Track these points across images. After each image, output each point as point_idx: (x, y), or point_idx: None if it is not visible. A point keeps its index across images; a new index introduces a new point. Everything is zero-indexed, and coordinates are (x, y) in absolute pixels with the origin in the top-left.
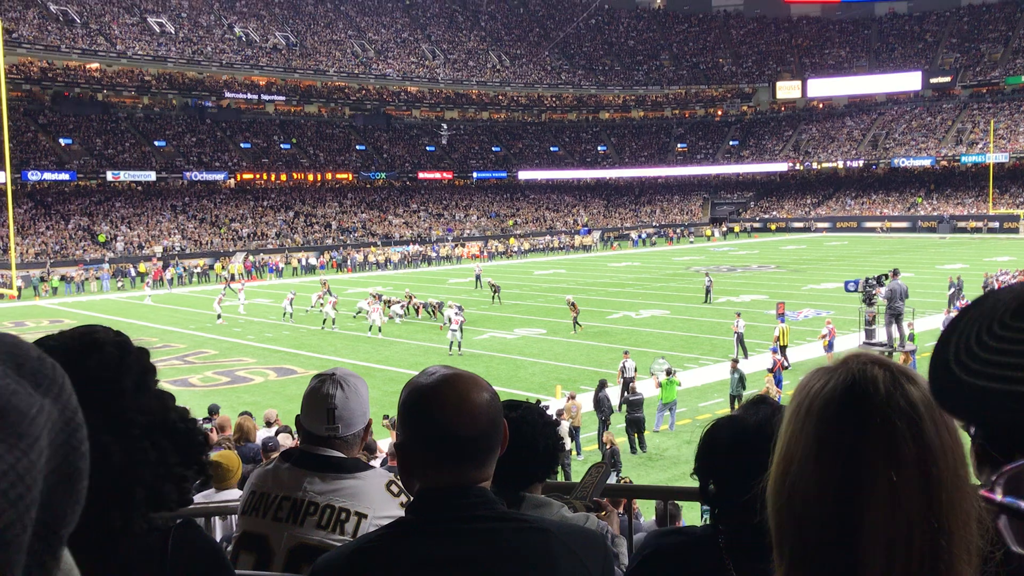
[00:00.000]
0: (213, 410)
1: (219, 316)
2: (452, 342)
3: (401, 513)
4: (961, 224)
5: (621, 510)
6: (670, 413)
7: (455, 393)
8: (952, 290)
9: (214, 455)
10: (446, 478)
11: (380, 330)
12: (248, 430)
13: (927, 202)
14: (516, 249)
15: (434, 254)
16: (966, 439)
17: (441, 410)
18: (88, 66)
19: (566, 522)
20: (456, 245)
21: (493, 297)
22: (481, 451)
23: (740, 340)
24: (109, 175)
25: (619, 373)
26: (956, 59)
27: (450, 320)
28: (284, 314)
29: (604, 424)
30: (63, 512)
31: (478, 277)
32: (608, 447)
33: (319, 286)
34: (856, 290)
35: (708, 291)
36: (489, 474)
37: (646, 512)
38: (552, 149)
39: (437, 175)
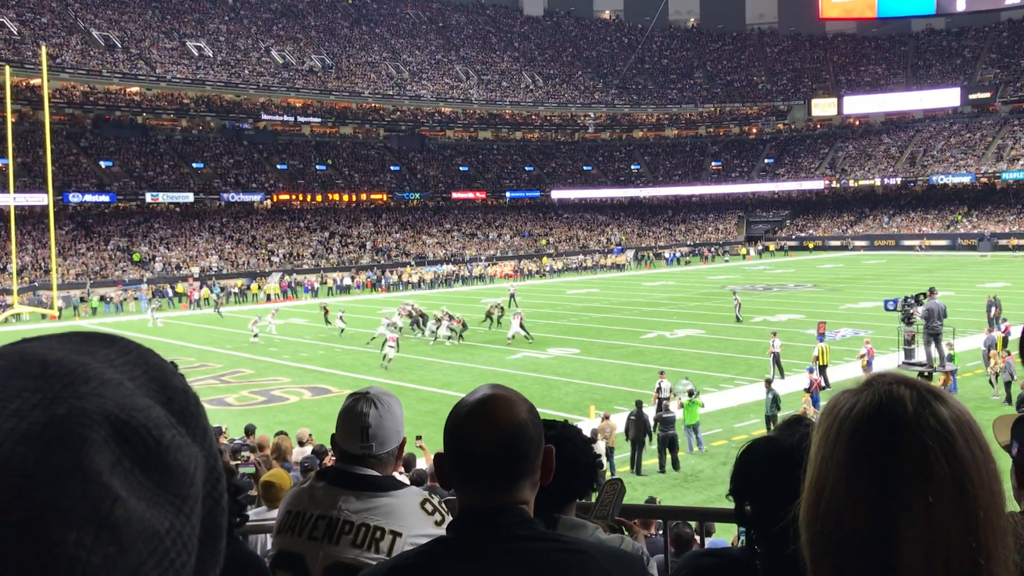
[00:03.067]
0: (250, 430)
1: (255, 335)
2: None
3: (436, 531)
4: (1002, 242)
5: (653, 531)
6: (696, 435)
7: (485, 415)
8: (994, 310)
9: (266, 475)
10: (480, 498)
11: (390, 362)
12: (285, 449)
13: (967, 219)
14: (549, 268)
15: (467, 273)
16: (1002, 460)
17: (470, 432)
18: (128, 90)
19: (603, 543)
20: (489, 264)
21: (490, 322)
22: (510, 474)
23: (776, 360)
24: (148, 197)
25: (655, 393)
26: (996, 75)
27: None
28: (341, 331)
29: (638, 445)
30: (205, 574)
31: (512, 296)
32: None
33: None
34: (895, 309)
35: (737, 308)
36: (527, 497)
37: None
38: (585, 168)
39: (470, 195)
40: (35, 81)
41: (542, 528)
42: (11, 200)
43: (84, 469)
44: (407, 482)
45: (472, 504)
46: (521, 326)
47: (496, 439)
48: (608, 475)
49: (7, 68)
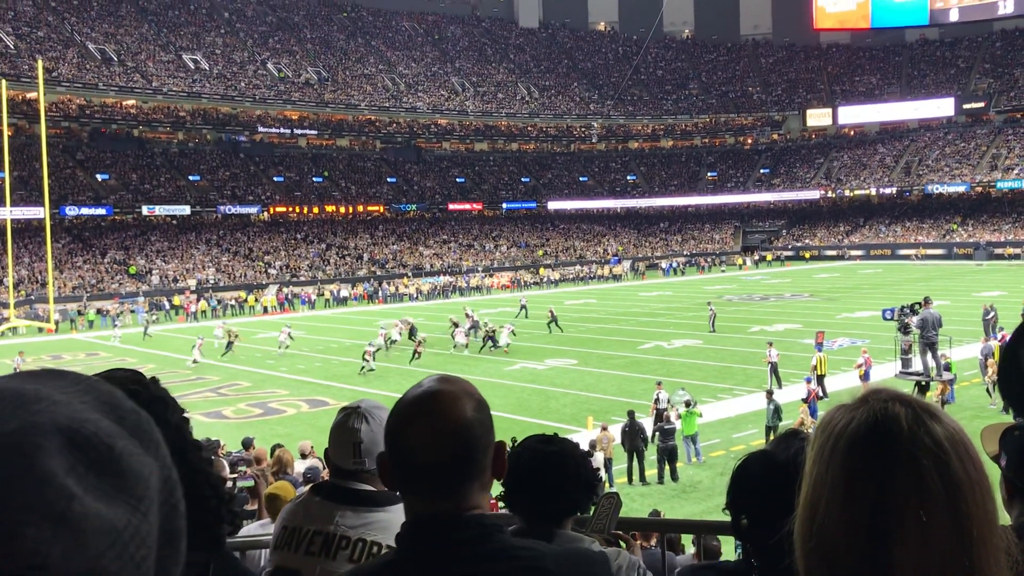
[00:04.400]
0: (247, 443)
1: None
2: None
3: None
4: (998, 251)
5: (654, 543)
6: (694, 445)
7: (426, 413)
8: (991, 316)
9: (270, 487)
10: (425, 504)
11: (371, 371)
12: (287, 462)
13: (962, 229)
14: (546, 279)
15: (464, 284)
16: (993, 471)
17: (409, 433)
18: (125, 103)
19: (563, 550)
20: (486, 275)
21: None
22: (456, 478)
23: (774, 370)
24: (144, 209)
25: (653, 404)
26: (989, 84)
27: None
28: (283, 347)
29: (636, 454)
30: (168, 573)
31: (523, 307)
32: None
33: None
34: (893, 318)
35: (712, 320)
36: (477, 501)
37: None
38: (581, 179)
39: (467, 206)
40: (31, 95)
41: (500, 537)
42: (7, 214)
43: (39, 472)
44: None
45: (420, 511)
46: (512, 334)
47: (438, 441)
48: (606, 486)
49: (3, 82)
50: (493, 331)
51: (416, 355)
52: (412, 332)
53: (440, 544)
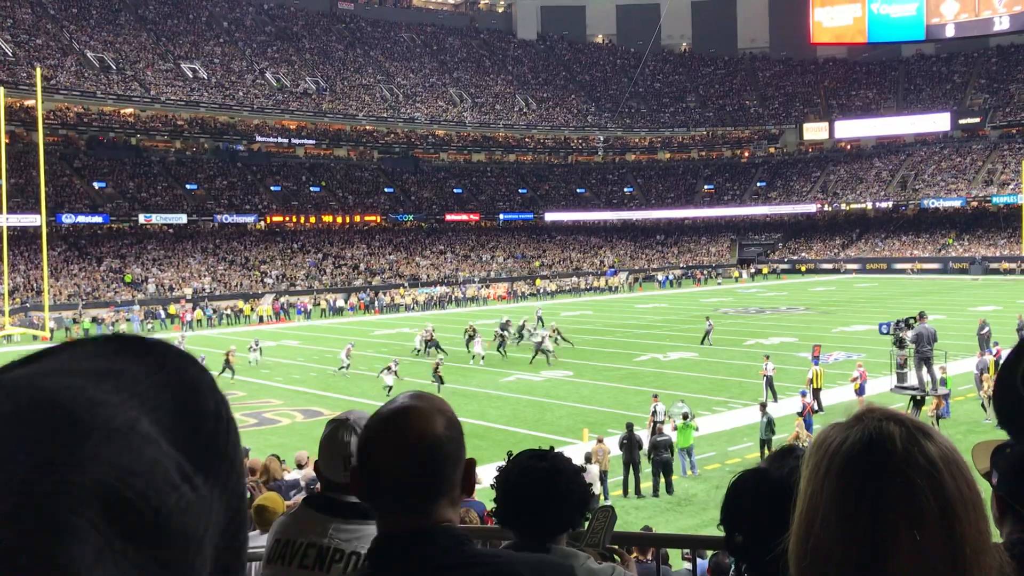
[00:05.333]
0: (243, 453)
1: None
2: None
3: None
4: (993, 265)
5: (650, 558)
6: (689, 458)
7: (396, 429)
8: (985, 331)
9: (258, 499)
10: (394, 520)
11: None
12: (274, 470)
13: (958, 243)
14: (542, 290)
15: (461, 295)
16: (985, 489)
17: (379, 448)
18: (123, 111)
19: (536, 559)
20: (482, 286)
21: (425, 349)
22: (425, 494)
23: (770, 383)
24: (141, 218)
25: (650, 417)
26: (985, 100)
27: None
28: (254, 362)
29: (633, 467)
30: None
31: (540, 319)
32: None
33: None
34: (889, 332)
35: (707, 334)
36: (447, 516)
37: (675, 562)
38: (579, 191)
39: (464, 217)
40: (29, 102)
41: (470, 547)
42: (4, 221)
43: (60, 567)
44: None
45: (390, 526)
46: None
47: (407, 458)
48: (602, 499)
49: (1, 89)
50: (543, 339)
51: (437, 379)
52: (434, 345)
53: (412, 556)
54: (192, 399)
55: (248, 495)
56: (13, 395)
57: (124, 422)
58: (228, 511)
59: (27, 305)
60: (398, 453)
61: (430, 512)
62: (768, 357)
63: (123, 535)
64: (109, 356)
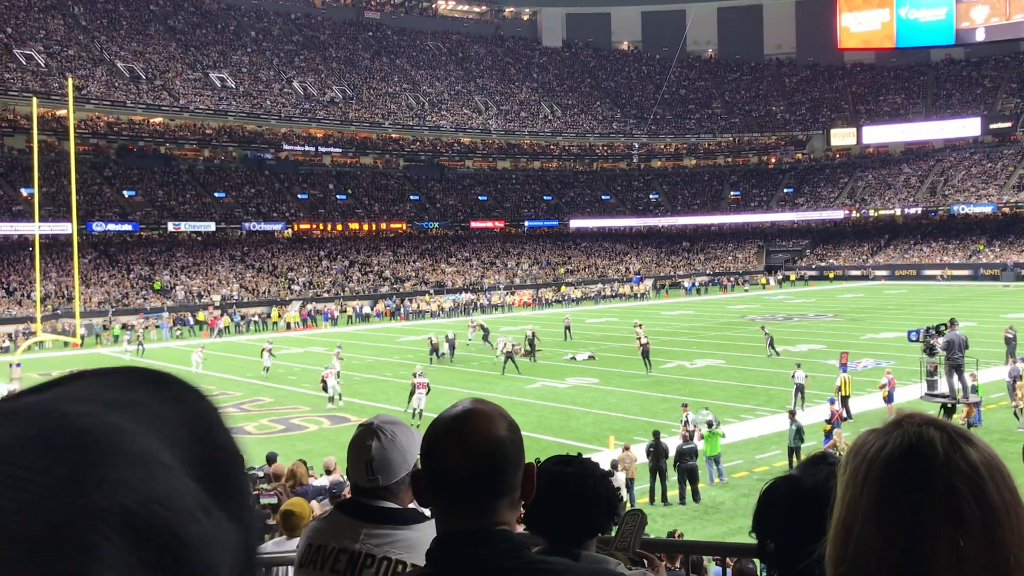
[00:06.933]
0: (271, 458)
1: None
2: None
3: None
4: None
5: (678, 565)
6: (717, 466)
7: (461, 432)
8: (1012, 337)
9: (285, 504)
10: (456, 520)
11: (420, 415)
12: (300, 475)
13: (989, 249)
14: (567, 297)
15: (486, 302)
16: None
17: (444, 449)
18: (152, 120)
19: (582, 567)
20: (508, 293)
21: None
22: (486, 494)
23: (800, 391)
24: (170, 226)
25: (683, 427)
26: (1016, 104)
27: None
28: (265, 370)
29: (660, 474)
30: None
31: (568, 328)
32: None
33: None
34: (918, 340)
35: (771, 343)
36: (506, 518)
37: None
38: (604, 197)
39: (489, 224)
40: (61, 112)
41: (528, 553)
42: (36, 229)
43: None
44: (428, 514)
45: (450, 527)
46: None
47: (471, 457)
48: (627, 507)
49: (34, 99)
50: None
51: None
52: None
53: (469, 558)
54: (207, 434)
55: (276, 500)
56: (37, 418)
57: (147, 450)
58: (243, 547)
59: (58, 312)
60: (461, 453)
61: (490, 513)
62: (800, 365)
63: (145, 562)
64: (127, 387)
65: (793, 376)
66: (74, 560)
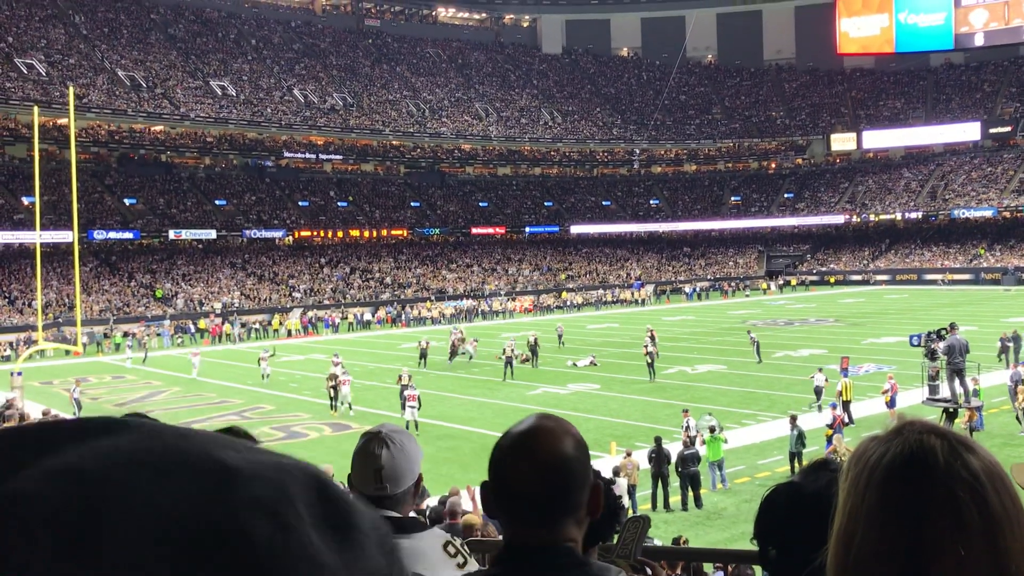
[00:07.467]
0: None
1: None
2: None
3: (458, 575)
4: None
5: (679, 571)
6: (719, 471)
7: (528, 448)
8: (1011, 344)
9: None
10: (521, 534)
11: (416, 427)
12: None
13: (990, 254)
14: (568, 303)
15: (487, 308)
16: None
17: (512, 465)
18: (153, 128)
19: None
20: (508, 299)
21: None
22: (552, 511)
23: (818, 393)
24: (171, 233)
25: (684, 433)
26: (1016, 108)
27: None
28: (264, 376)
29: (662, 480)
30: None
31: (560, 336)
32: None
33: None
34: (920, 344)
35: (757, 350)
36: (572, 535)
37: None
38: (604, 203)
39: (490, 230)
40: (62, 121)
41: (589, 570)
42: (37, 237)
43: (296, 539)
44: (428, 523)
45: (515, 540)
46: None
47: (538, 474)
48: (630, 512)
49: (35, 108)
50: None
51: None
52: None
53: (534, 567)
54: (319, 485)
55: None
56: (157, 435)
57: (273, 474)
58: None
59: (59, 320)
60: (530, 470)
61: (556, 529)
62: (821, 369)
63: (329, 520)
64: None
65: (812, 377)
66: (279, 514)
